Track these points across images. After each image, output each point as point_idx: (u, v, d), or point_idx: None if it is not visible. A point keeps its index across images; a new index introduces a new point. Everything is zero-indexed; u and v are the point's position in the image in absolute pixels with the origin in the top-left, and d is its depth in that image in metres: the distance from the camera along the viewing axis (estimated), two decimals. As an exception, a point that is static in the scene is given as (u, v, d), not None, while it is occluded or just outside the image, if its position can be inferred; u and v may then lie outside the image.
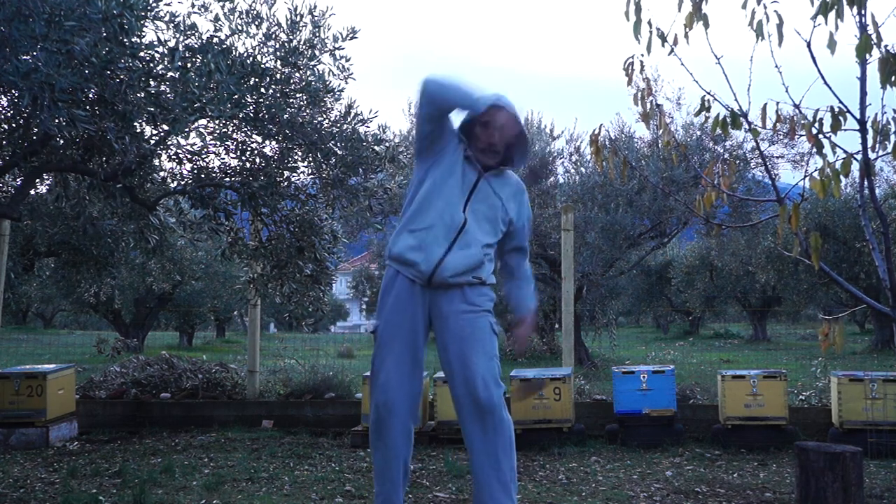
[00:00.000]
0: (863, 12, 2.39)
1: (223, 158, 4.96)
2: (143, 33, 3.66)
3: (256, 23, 4.34)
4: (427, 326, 2.90)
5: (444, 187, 2.84)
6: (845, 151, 2.46)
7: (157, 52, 3.81)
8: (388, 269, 2.96)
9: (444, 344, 2.86)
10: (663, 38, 2.65)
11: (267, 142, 4.82)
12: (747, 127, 2.66)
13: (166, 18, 3.83)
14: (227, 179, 4.91)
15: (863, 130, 2.52)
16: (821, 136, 2.45)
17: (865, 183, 2.65)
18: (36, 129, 4.28)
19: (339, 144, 4.64)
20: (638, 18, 2.61)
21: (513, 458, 2.84)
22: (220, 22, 4.22)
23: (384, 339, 2.88)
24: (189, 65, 3.83)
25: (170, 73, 3.84)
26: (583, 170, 10.10)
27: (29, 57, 3.15)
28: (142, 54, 3.71)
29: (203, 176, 4.92)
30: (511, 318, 3.08)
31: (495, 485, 2.79)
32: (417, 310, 2.86)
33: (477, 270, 2.85)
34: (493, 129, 2.85)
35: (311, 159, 4.79)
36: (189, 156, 4.87)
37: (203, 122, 4.38)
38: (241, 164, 4.90)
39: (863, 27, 2.39)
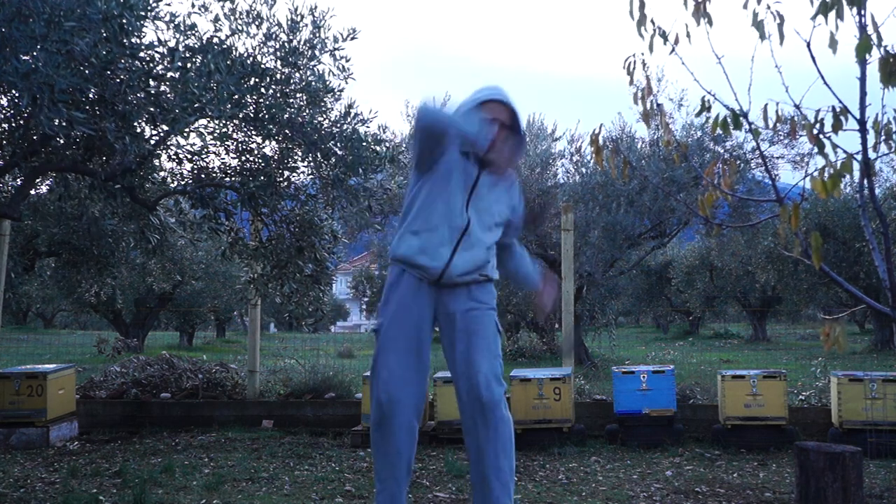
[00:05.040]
0: (862, 12, 2.38)
1: (223, 158, 4.96)
2: (143, 33, 3.66)
3: (256, 23, 4.34)
4: (432, 325, 2.89)
5: (446, 188, 2.86)
6: (845, 151, 2.45)
7: (157, 52, 3.81)
8: (393, 267, 2.95)
9: (451, 341, 2.85)
10: (665, 36, 2.64)
11: (267, 142, 4.82)
12: (748, 127, 2.66)
13: (166, 18, 3.83)
14: (227, 179, 4.91)
15: (863, 130, 2.51)
16: (822, 136, 2.44)
17: (865, 183, 2.65)
18: (35, 129, 4.28)
19: (339, 144, 4.64)
20: (642, 14, 2.61)
21: (512, 457, 2.84)
22: (220, 22, 4.22)
23: (388, 336, 2.84)
24: (189, 65, 3.83)
25: (170, 74, 3.84)
26: (583, 170, 10.09)
27: (29, 57, 3.15)
28: (142, 54, 3.72)
29: (203, 176, 4.92)
30: (524, 296, 3.24)
31: (495, 483, 2.78)
32: (424, 308, 2.85)
33: (483, 268, 2.90)
34: (492, 125, 2.86)
35: (311, 159, 4.79)
36: (189, 156, 4.87)
37: (203, 122, 4.38)
38: (241, 164, 4.90)
39: (862, 27, 2.38)
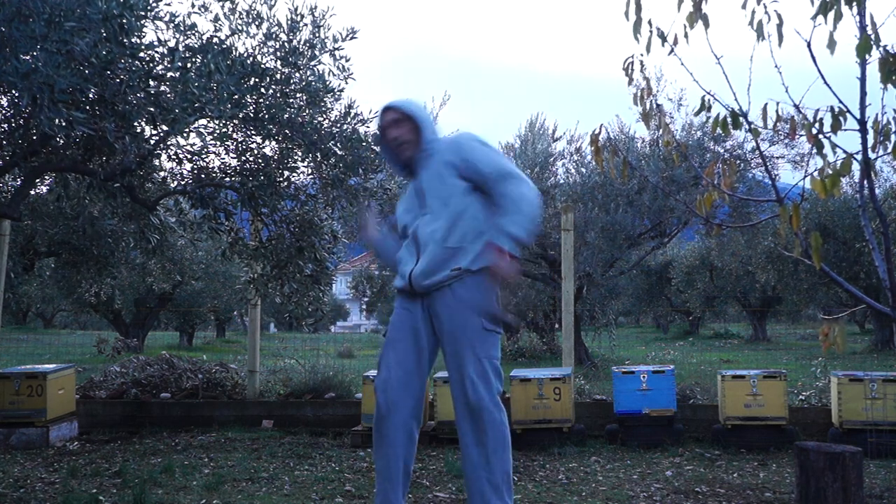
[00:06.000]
0: (862, 13, 2.38)
1: (223, 158, 4.96)
2: (143, 33, 3.65)
3: (256, 23, 4.33)
4: (431, 330, 2.96)
5: (403, 218, 3.07)
6: (845, 151, 2.45)
7: (157, 52, 3.81)
8: None
9: (442, 344, 2.94)
10: (663, 37, 2.64)
11: (267, 142, 4.82)
12: (747, 127, 2.66)
13: (166, 18, 3.83)
14: (227, 179, 4.91)
15: (863, 130, 2.52)
16: (821, 136, 2.44)
17: (865, 183, 2.65)
18: (35, 129, 4.28)
19: (338, 144, 4.64)
20: (638, 17, 2.61)
21: (506, 460, 2.85)
22: (220, 22, 4.22)
23: (389, 339, 2.99)
24: (189, 65, 3.83)
25: (170, 74, 3.84)
26: (583, 170, 10.09)
27: (29, 57, 3.14)
28: (142, 54, 3.71)
29: (203, 176, 4.92)
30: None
31: (486, 486, 2.81)
32: (419, 314, 2.95)
33: (451, 261, 2.87)
34: (387, 130, 3.07)
35: (310, 159, 4.79)
36: (189, 156, 4.87)
37: (203, 122, 4.37)
38: (240, 164, 4.90)
39: (862, 27, 2.39)
